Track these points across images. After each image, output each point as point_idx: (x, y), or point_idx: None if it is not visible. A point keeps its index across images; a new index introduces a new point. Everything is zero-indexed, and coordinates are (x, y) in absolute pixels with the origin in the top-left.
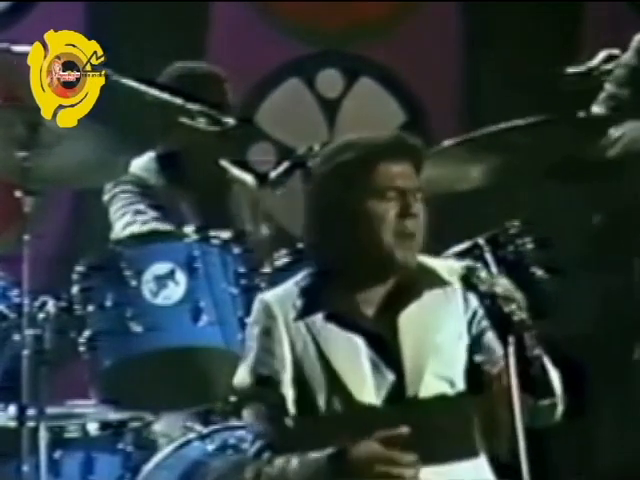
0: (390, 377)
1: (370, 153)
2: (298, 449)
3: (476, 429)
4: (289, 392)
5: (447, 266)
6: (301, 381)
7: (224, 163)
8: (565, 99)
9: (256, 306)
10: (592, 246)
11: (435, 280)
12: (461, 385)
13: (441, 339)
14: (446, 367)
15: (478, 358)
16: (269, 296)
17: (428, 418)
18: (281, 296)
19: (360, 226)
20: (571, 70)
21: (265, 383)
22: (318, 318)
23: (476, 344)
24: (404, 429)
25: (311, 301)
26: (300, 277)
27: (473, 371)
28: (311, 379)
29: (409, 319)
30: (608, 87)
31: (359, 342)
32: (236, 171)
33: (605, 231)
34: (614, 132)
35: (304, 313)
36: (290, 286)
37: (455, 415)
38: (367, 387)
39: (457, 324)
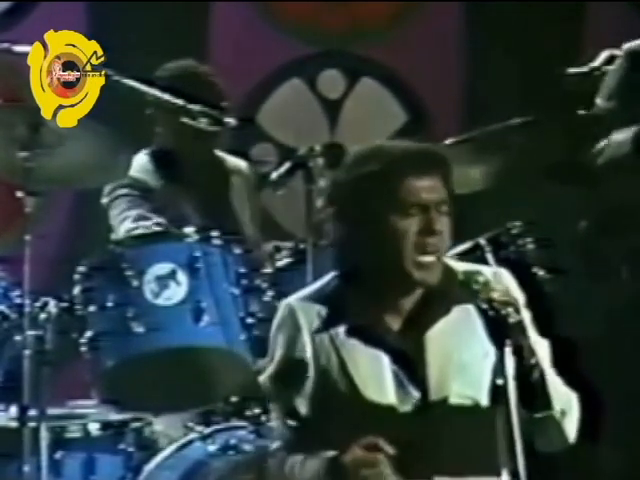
0: (415, 394)
1: (397, 166)
2: (314, 451)
3: (499, 446)
4: (310, 399)
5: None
6: (322, 391)
7: (220, 154)
8: (567, 100)
9: (281, 311)
10: (579, 250)
11: (464, 292)
12: (485, 403)
13: (467, 358)
14: (471, 387)
15: (500, 381)
16: (295, 301)
17: (450, 429)
18: (307, 303)
19: (381, 239)
20: (573, 71)
21: (285, 389)
22: (342, 330)
23: (501, 364)
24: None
25: (336, 311)
26: (326, 281)
27: (495, 390)
28: (332, 390)
29: (437, 337)
30: (599, 102)
31: (383, 358)
32: (231, 160)
33: (590, 235)
34: (603, 141)
35: (328, 324)
36: (316, 291)
37: (477, 429)
38: (389, 403)
39: (484, 342)
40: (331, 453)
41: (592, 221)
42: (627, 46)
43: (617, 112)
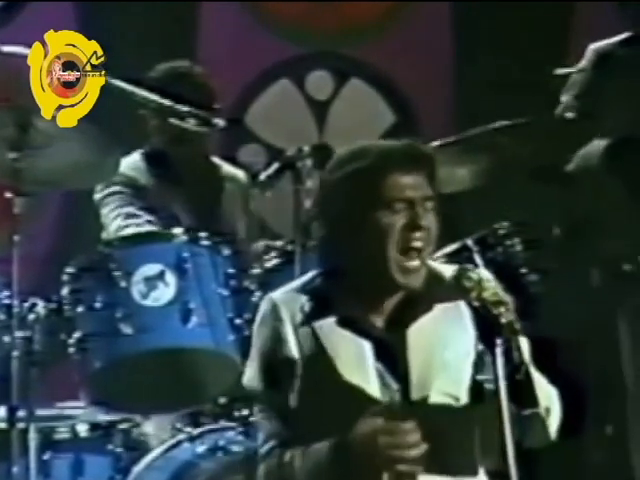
0: (394, 387)
1: (381, 163)
2: (305, 443)
3: (476, 445)
4: (295, 394)
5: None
6: (308, 383)
7: (215, 160)
8: (555, 101)
9: (264, 306)
10: (554, 256)
11: (446, 292)
12: (465, 400)
13: (449, 356)
14: (452, 385)
15: (480, 377)
16: (277, 296)
17: (430, 426)
18: (289, 297)
19: (367, 236)
20: (560, 71)
21: (272, 385)
22: (326, 323)
23: (480, 360)
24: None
25: (319, 306)
26: (308, 278)
27: (475, 387)
28: (317, 382)
29: (419, 333)
30: (564, 99)
31: (367, 349)
32: (227, 167)
33: (564, 240)
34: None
35: (312, 317)
36: (298, 287)
37: (457, 427)
38: (372, 393)
39: (466, 341)
40: (333, 439)
41: (567, 224)
42: (593, 47)
43: (585, 111)
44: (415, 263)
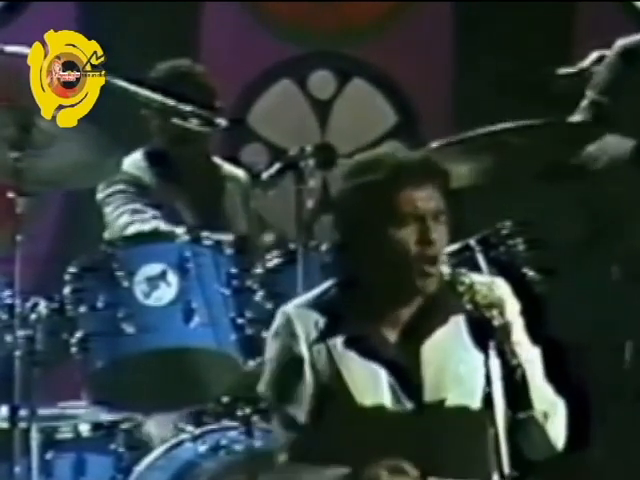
0: (408, 405)
1: (393, 178)
2: (314, 461)
3: (490, 451)
4: (308, 408)
5: None
6: (319, 400)
7: (216, 159)
8: (557, 100)
9: (279, 319)
10: (570, 251)
11: (461, 303)
12: (478, 409)
13: (463, 369)
14: (466, 397)
15: (487, 389)
16: (291, 310)
17: (445, 437)
18: (304, 311)
19: (380, 248)
20: (563, 71)
21: (285, 398)
22: (339, 341)
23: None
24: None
25: (333, 322)
26: (324, 288)
27: (487, 399)
28: (329, 400)
29: (433, 348)
30: (589, 94)
31: (380, 371)
32: (228, 167)
33: (582, 237)
34: (594, 147)
35: (326, 335)
36: (314, 299)
37: (471, 436)
38: (384, 415)
39: (479, 353)
40: (344, 468)
41: (584, 223)
42: (621, 42)
43: (611, 107)
44: (433, 269)
